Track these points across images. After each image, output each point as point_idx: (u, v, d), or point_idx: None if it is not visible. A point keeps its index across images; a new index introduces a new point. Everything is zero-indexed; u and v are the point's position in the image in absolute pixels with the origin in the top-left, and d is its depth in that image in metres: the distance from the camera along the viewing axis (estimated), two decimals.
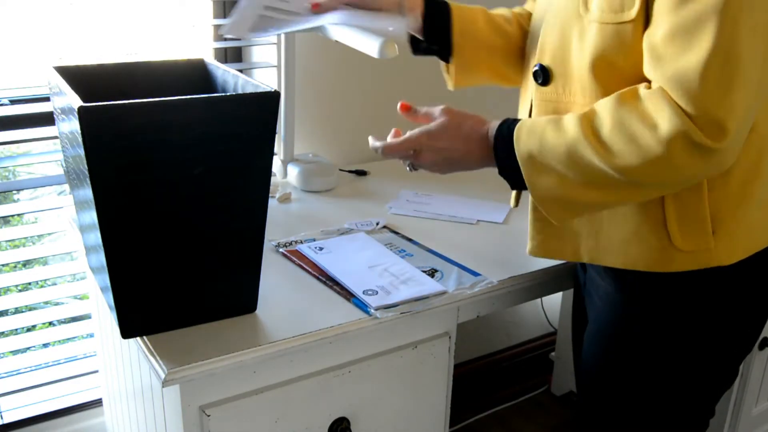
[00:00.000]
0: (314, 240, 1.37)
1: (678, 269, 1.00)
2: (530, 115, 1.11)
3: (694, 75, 0.85)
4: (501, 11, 1.27)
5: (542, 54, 1.06)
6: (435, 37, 1.22)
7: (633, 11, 0.92)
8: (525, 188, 1.02)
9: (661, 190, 0.96)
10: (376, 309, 1.12)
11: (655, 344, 1.06)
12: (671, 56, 0.87)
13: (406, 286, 1.18)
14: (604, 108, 0.93)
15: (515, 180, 1.03)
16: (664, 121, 0.87)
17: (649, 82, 0.93)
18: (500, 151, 1.04)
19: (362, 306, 1.13)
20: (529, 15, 1.26)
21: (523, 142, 0.99)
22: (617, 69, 0.96)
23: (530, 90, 1.12)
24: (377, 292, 1.16)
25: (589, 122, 0.94)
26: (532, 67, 1.08)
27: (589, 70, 0.98)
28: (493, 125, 1.06)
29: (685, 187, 0.96)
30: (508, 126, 1.03)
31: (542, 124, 0.99)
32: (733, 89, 0.84)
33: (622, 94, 0.93)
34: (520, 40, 1.23)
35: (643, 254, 1.01)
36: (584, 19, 0.98)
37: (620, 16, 0.93)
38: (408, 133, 1.11)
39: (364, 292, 1.16)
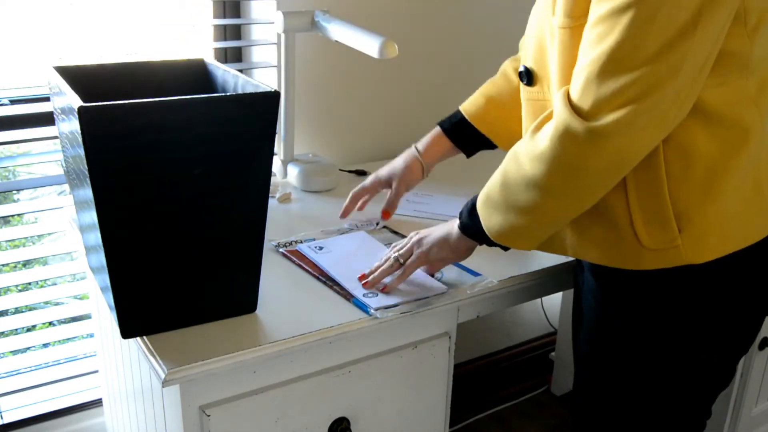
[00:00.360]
0: (314, 240, 1.37)
1: (648, 267, 1.00)
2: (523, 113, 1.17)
3: (587, 63, 0.90)
4: (503, 68, 1.37)
5: (526, 56, 1.11)
6: (473, 143, 1.38)
7: (585, 17, 0.94)
8: (497, 245, 1.10)
9: (578, 194, 0.98)
10: (376, 309, 1.12)
11: (644, 344, 1.06)
12: (583, 51, 0.93)
13: (407, 286, 1.18)
14: (528, 130, 1.01)
15: (478, 233, 1.10)
16: (554, 120, 0.94)
17: None
18: (463, 217, 1.13)
19: (362, 306, 1.13)
20: None
21: (479, 196, 1.09)
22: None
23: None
24: (377, 294, 1.16)
25: (514, 149, 1.03)
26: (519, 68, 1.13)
27: (561, 71, 1.00)
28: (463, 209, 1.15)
29: (608, 184, 0.97)
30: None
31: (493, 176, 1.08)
32: (621, 75, 0.88)
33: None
34: None
35: (615, 252, 1.03)
36: (552, 24, 1.01)
37: (575, 20, 0.96)
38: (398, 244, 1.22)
39: (364, 294, 1.16)
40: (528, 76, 1.10)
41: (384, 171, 1.40)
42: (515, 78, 1.31)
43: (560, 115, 0.93)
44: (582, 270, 1.18)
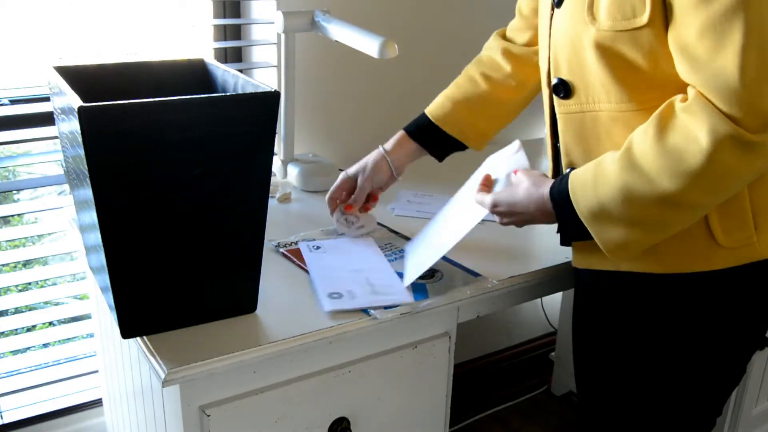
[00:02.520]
0: (314, 240, 1.37)
1: (719, 267, 1.00)
2: (556, 128, 1.12)
3: (732, 73, 0.85)
4: (468, 72, 1.38)
5: (558, 68, 1.07)
6: (442, 145, 1.39)
7: (645, 16, 0.92)
8: (584, 239, 1.02)
9: (717, 201, 0.95)
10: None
11: (664, 344, 1.06)
12: (705, 57, 0.87)
13: (374, 295, 1.16)
14: (643, 137, 0.93)
15: (577, 234, 1.02)
16: (705, 132, 0.87)
17: (677, 84, 0.93)
18: (561, 214, 1.03)
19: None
20: (503, 35, 1.38)
21: (581, 202, 0.99)
22: (641, 72, 0.96)
23: (547, 104, 1.14)
24: (342, 296, 1.15)
25: (629, 159, 0.94)
26: (550, 82, 1.09)
27: (612, 77, 0.98)
28: (547, 187, 1.06)
29: (740, 189, 0.95)
30: (561, 183, 1.03)
31: (591, 175, 0.98)
32: None
33: (658, 115, 0.92)
34: (502, 84, 1.35)
35: (685, 256, 1.01)
36: (593, 30, 0.97)
37: (632, 22, 0.93)
38: (484, 198, 1.16)
39: (329, 295, 1.16)
40: (564, 89, 1.05)
41: (352, 168, 1.39)
42: (482, 83, 1.34)
43: (718, 127, 0.86)
44: (589, 270, 1.17)
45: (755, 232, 0.99)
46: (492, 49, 1.36)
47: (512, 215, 1.11)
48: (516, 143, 1.19)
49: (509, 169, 1.16)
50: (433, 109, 1.37)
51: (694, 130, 0.88)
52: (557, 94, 1.07)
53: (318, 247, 1.32)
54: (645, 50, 0.94)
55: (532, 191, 1.07)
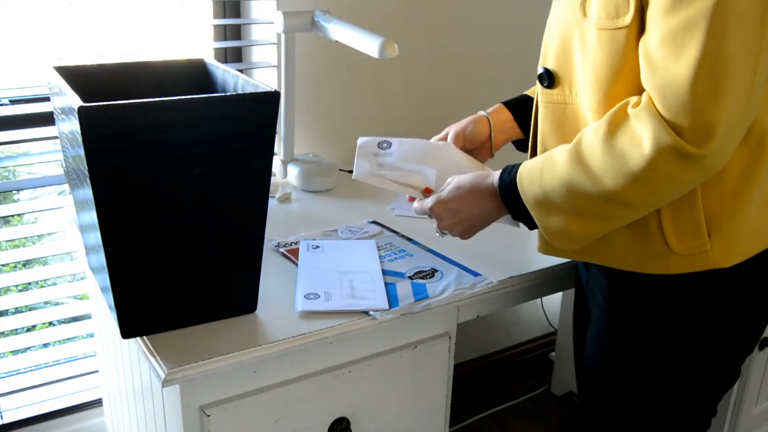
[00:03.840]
0: (314, 240, 1.37)
1: (674, 272, 1.01)
2: (536, 116, 1.13)
3: (682, 84, 0.86)
4: None
5: (546, 57, 1.08)
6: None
7: (627, 17, 0.93)
8: (533, 226, 1.07)
9: (658, 204, 0.96)
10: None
11: (655, 344, 1.06)
12: (661, 63, 0.88)
13: (351, 298, 1.15)
14: (593, 135, 0.95)
15: (530, 223, 1.07)
16: (649, 138, 0.88)
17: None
18: (509, 203, 1.07)
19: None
20: None
21: (527, 190, 1.03)
22: (617, 73, 0.96)
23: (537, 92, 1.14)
24: (318, 297, 1.15)
25: (578, 154, 0.96)
26: (537, 70, 1.09)
27: (591, 74, 0.99)
28: (495, 177, 1.10)
29: (681, 195, 0.96)
30: (509, 174, 1.07)
31: (539, 166, 1.02)
32: (719, 95, 0.85)
33: (611, 115, 0.94)
34: None
35: (640, 256, 1.02)
36: (583, 25, 0.99)
37: (615, 22, 0.94)
38: (425, 201, 1.18)
39: (305, 295, 1.16)
40: (549, 78, 1.07)
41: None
42: None
43: (660, 136, 0.87)
44: (587, 269, 1.18)
45: (709, 240, 0.98)
46: None
47: (457, 212, 1.12)
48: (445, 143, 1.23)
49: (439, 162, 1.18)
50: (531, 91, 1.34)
51: (639, 136, 0.89)
52: (541, 83, 1.09)
53: (317, 247, 1.32)
54: (621, 52, 0.95)
55: (477, 183, 1.11)
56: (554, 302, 2.39)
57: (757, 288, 1.05)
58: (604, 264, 1.07)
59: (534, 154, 1.17)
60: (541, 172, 1.01)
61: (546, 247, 1.13)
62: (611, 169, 0.92)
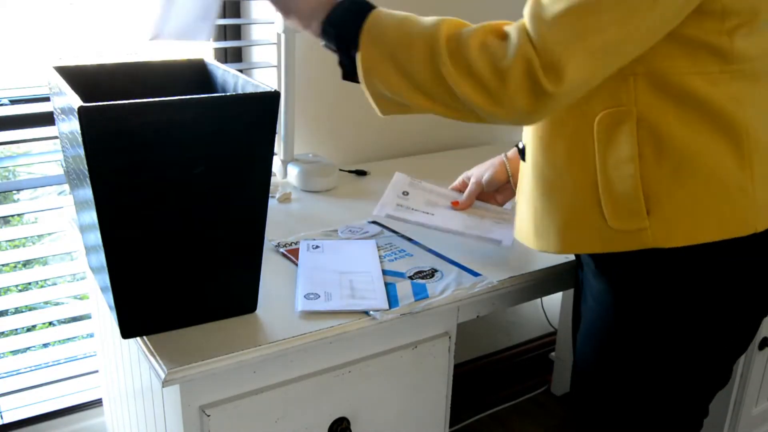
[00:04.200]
0: (314, 240, 1.37)
1: (615, 249, 1.00)
2: None
3: (551, 12, 0.87)
4: None
5: None
6: None
7: None
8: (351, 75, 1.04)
9: (481, 115, 0.95)
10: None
11: (639, 344, 1.06)
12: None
13: (351, 298, 1.15)
14: (471, 27, 0.96)
15: (339, 45, 1.03)
16: (513, 45, 0.89)
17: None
18: (339, 8, 1.02)
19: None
20: None
21: (376, 17, 0.99)
22: None
23: None
24: (318, 297, 1.15)
25: (453, 28, 0.97)
26: None
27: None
28: None
29: (505, 122, 0.96)
30: None
31: (400, 17, 0.99)
32: (582, 39, 0.86)
33: (490, 23, 0.96)
34: None
35: (581, 236, 1.03)
36: None
37: None
38: None
39: (305, 295, 1.16)
40: None
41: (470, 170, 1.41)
42: None
43: (526, 49, 0.88)
44: (582, 270, 1.18)
45: (647, 217, 0.97)
46: None
47: None
48: None
49: None
50: None
51: (506, 40, 0.91)
52: None
53: (317, 247, 1.32)
54: None
55: None
56: (554, 302, 2.39)
57: (744, 285, 1.03)
58: (544, 251, 1.08)
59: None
60: (406, 17, 0.99)
61: (516, 232, 1.16)
62: (467, 58, 0.92)
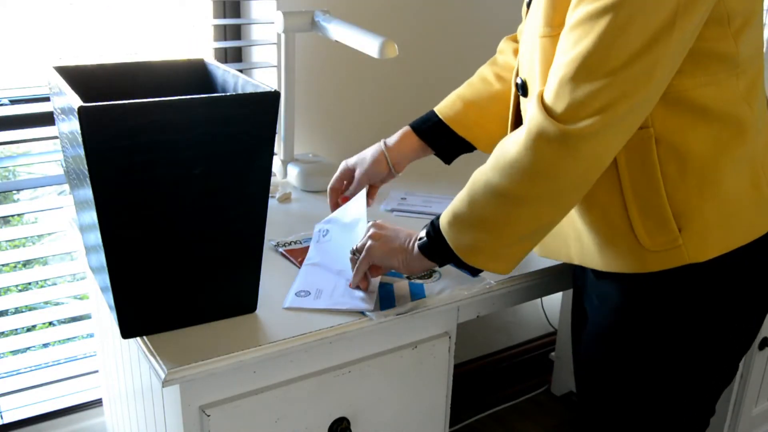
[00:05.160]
0: (327, 223, 1.36)
1: (652, 269, 1.00)
2: (514, 123, 1.15)
3: (564, 64, 0.89)
4: (481, 72, 1.35)
5: (521, 68, 1.09)
6: (450, 146, 1.34)
7: (560, 26, 0.94)
8: (458, 265, 1.07)
9: (556, 199, 0.96)
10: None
11: (648, 344, 1.06)
12: (558, 50, 0.91)
13: (340, 296, 1.16)
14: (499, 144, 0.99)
15: (442, 253, 1.06)
16: (526, 125, 0.91)
17: None
18: (424, 236, 1.08)
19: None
20: (515, 38, 1.36)
21: (442, 215, 1.05)
22: None
23: (512, 102, 1.16)
24: (308, 295, 1.16)
25: (483, 166, 1.00)
26: (516, 80, 1.11)
27: (542, 80, 1.00)
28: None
29: (580, 189, 0.96)
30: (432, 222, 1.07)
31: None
32: (596, 79, 0.87)
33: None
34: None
35: (619, 257, 1.02)
36: (539, 34, 1.00)
37: (554, 30, 0.96)
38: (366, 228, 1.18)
39: (297, 292, 1.16)
40: (523, 89, 1.08)
41: (352, 159, 1.36)
42: (496, 83, 1.31)
43: (534, 118, 0.91)
44: (583, 271, 1.18)
45: (680, 234, 0.98)
46: (504, 51, 1.35)
47: (387, 240, 1.12)
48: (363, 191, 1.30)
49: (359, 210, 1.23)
50: (442, 108, 1.34)
51: (522, 127, 0.93)
52: (520, 93, 1.10)
53: (327, 232, 1.32)
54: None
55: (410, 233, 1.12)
56: (554, 302, 2.39)
57: (749, 283, 1.04)
58: (590, 267, 1.08)
59: None
60: (455, 197, 1.03)
61: (540, 248, 1.14)
62: (497, 163, 0.95)
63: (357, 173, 1.34)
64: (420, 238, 1.09)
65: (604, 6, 0.85)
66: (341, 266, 1.23)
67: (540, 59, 0.99)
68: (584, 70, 0.87)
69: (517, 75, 1.11)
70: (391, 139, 1.35)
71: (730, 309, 1.04)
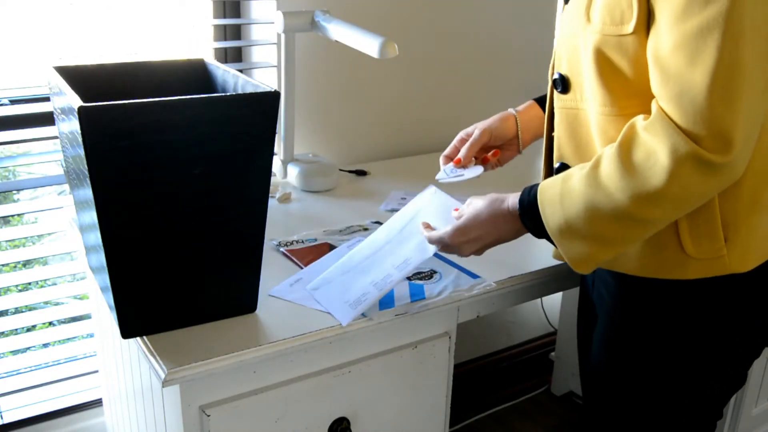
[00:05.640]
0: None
1: (691, 277, 1.00)
2: (551, 122, 1.12)
3: (699, 91, 0.85)
4: None
5: (559, 63, 1.07)
6: None
7: (631, 24, 0.92)
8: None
9: (678, 216, 0.96)
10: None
11: (662, 348, 1.05)
12: (676, 70, 0.87)
13: (325, 296, 1.16)
14: (609, 157, 0.93)
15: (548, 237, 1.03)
16: (665, 150, 0.87)
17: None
18: (530, 225, 1.05)
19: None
20: None
21: (549, 219, 1.00)
22: (625, 79, 0.96)
23: (549, 96, 1.13)
24: (318, 287, 1.19)
25: (595, 178, 0.94)
26: (552, 75, 1.09)
27: (598, 79, 0.98)
28: (512, 201, 1.06)
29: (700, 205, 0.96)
30: (529, 197, 1.04)
31: (558, 192, 0.99)
32: (736, 100, 0.84)
33: (622, 135, 0.93)
34: None
35: (658, 262, 1.01)
36: (587, 31, 0.98)
37: (620, 28, 0.93)
38: (443, 232, 1.12)
39: (292, 283, 1.21)
40: (563, 84, 1.06)
41: (471, 127, 1.29)
42: None
43: (678, 146, 0.86)
44: (594, 272, 1.17)
45: (725, 245, 0.98)
46: None
47: (478, 240, 1.09)
48: (431, 187, 1.22)
49: (438, 210, 1.17)
50: None
51: (654, 149, 0.88)
52: (556, 88, 1.08)
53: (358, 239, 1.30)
54: (629, 57, 0.94)
55: (495, 209, 1.07)
56: (554, 302, 2.39)
57: (763, 292, 1.05)
58: (622, 271, 1.06)
59: (549, 159, 1.16)
60: (561, 199, 0.98)
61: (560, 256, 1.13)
62: (630, 188, 0.90)
63: (479, 127, 1.27)
64: (523, 222, 1.05)
65: (713, 19, 0.83)
66: (348, 268, 1.21)
67: (594, 58, 0.97)
68: (720, 91, 0.84)
69: (553, 70, 1.10)
70: (519, 107, 1.31)
71: (745, 316, 1.04)
